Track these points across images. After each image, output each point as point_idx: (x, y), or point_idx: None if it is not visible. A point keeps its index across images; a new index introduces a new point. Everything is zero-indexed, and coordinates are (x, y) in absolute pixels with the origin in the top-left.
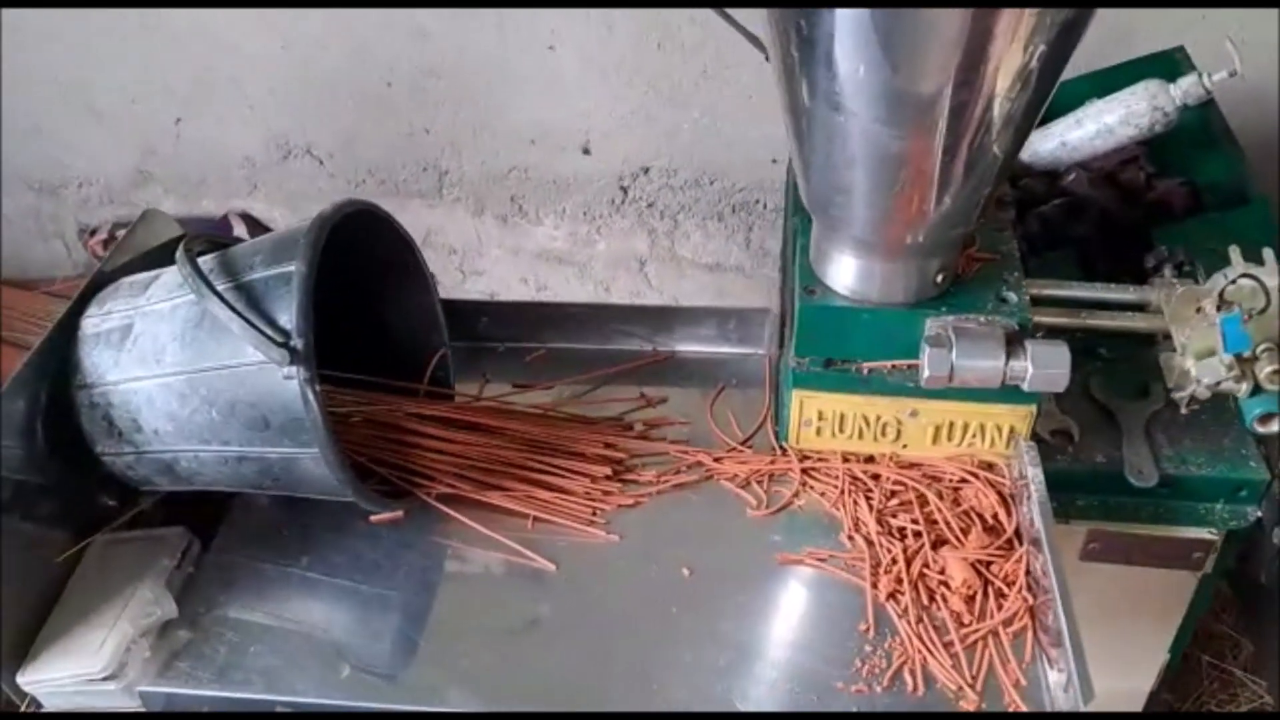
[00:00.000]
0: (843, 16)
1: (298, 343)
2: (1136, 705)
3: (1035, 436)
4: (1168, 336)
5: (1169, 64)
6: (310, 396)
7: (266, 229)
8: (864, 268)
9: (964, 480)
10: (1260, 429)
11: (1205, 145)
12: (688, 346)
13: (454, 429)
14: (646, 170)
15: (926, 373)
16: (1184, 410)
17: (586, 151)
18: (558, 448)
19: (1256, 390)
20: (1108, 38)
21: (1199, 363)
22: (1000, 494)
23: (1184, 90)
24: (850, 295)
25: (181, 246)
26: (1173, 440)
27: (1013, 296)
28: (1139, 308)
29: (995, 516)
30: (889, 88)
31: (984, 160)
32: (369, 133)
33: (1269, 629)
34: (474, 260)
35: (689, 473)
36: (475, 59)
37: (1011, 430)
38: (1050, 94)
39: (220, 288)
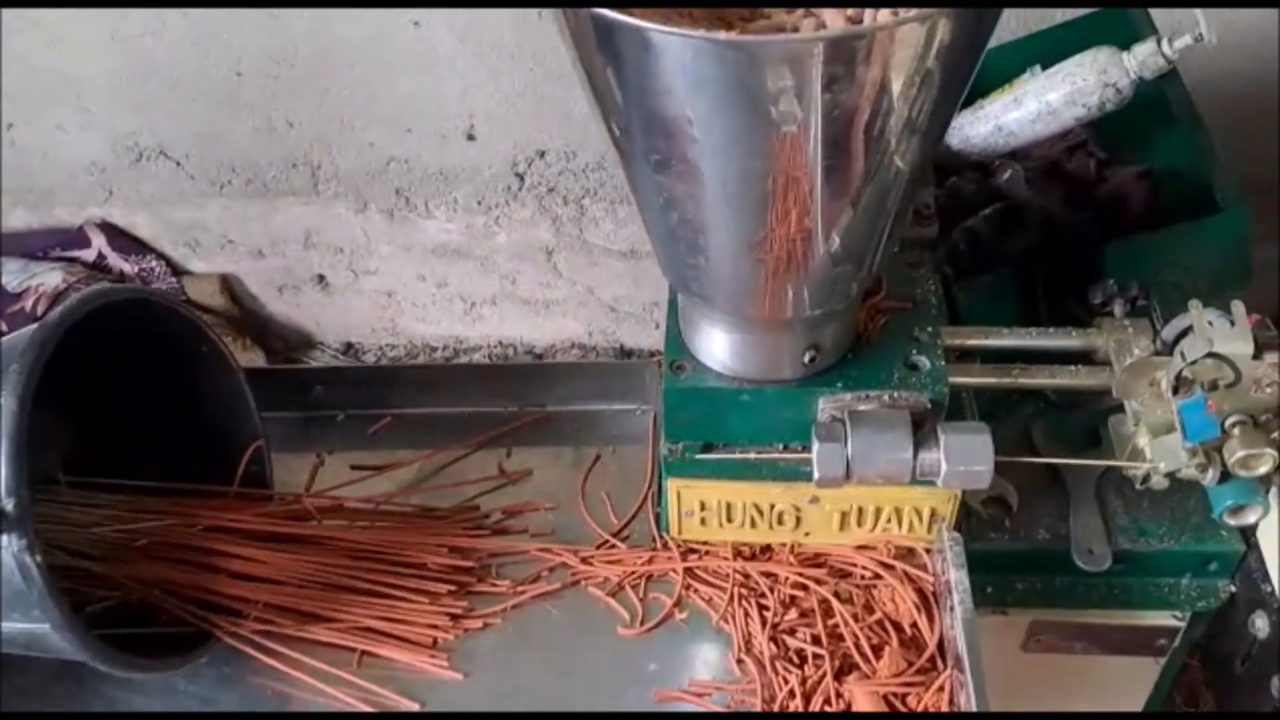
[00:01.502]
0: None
1: (7, 504)
2: None
3: (965, 508)
4: None
5: (1122, 20)
6: (32, 569)
7: (131, 237)
8: (738, 341)
9: (877, 575)
10: (1231, 522)
11: (1164, 122)
12: (561, 406)
13: (267, 544)
14: (542, 154)
15: (818, 474)
16: (1139, 487)
17: (471, 137)
18: (394, 559)
19: (1225, 476)
20: None
21: (1154, 441)
22: (921, 592)
23: (1140, 61)
24: (726, 372)
25: None
26: (1129, 505)
27: (925, 362)
28: (1084, 355)
29: (914, 625)
30: (734, 141)
31: (875, 202)
32: (225, 129)
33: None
34: (363, 259)
35: (551, 578)
36: (331, 41)
37: (933, 513)
38: (963, 93)
39: None
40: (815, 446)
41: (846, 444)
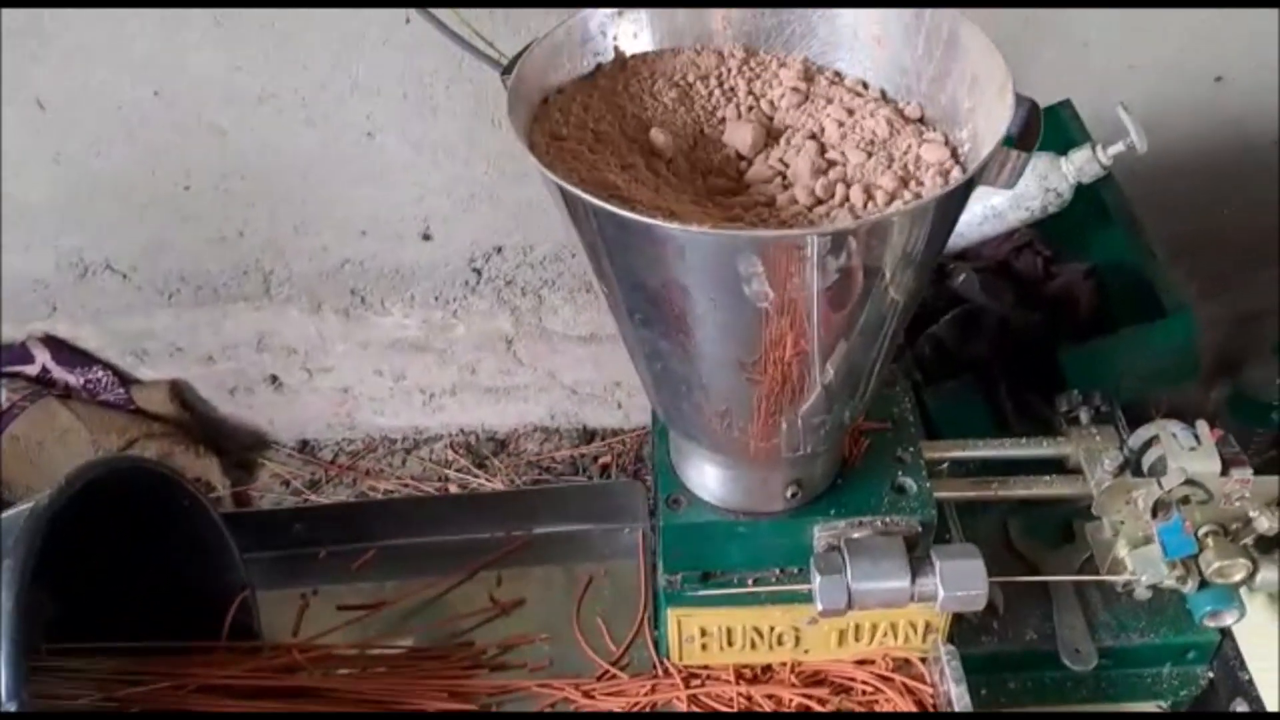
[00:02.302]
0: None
1: (9, 705)
2: None
3: (956, 615)
4: None
5: (1055, 122)
6: None
7: (76, 349)
8: (733, 477)
9: (878, 690)
10: (1211, 624)
11: (1102, 219)
12: (547, 528)
13: (259, 700)
14: (499, 250)
15: (821, 606)
16: (1120, 590)
17: (427, 237)
18: (392, 708)
19: (1203, 583)
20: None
21: (1134, 553)
22: (920, 705)
23: (1078, 167)
24: (720, 504)
25: None
26: (1108, 600)
27: (911, 484)
28: (1056, 461)
29: None
30: (725, 312)
31: (868, 345)
32: (174, 241)
33: None
34: (318, 358)
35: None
36: (283, 154)
37: (928, 625)
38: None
39: None
40: (816, 580)
41: (846, 574)
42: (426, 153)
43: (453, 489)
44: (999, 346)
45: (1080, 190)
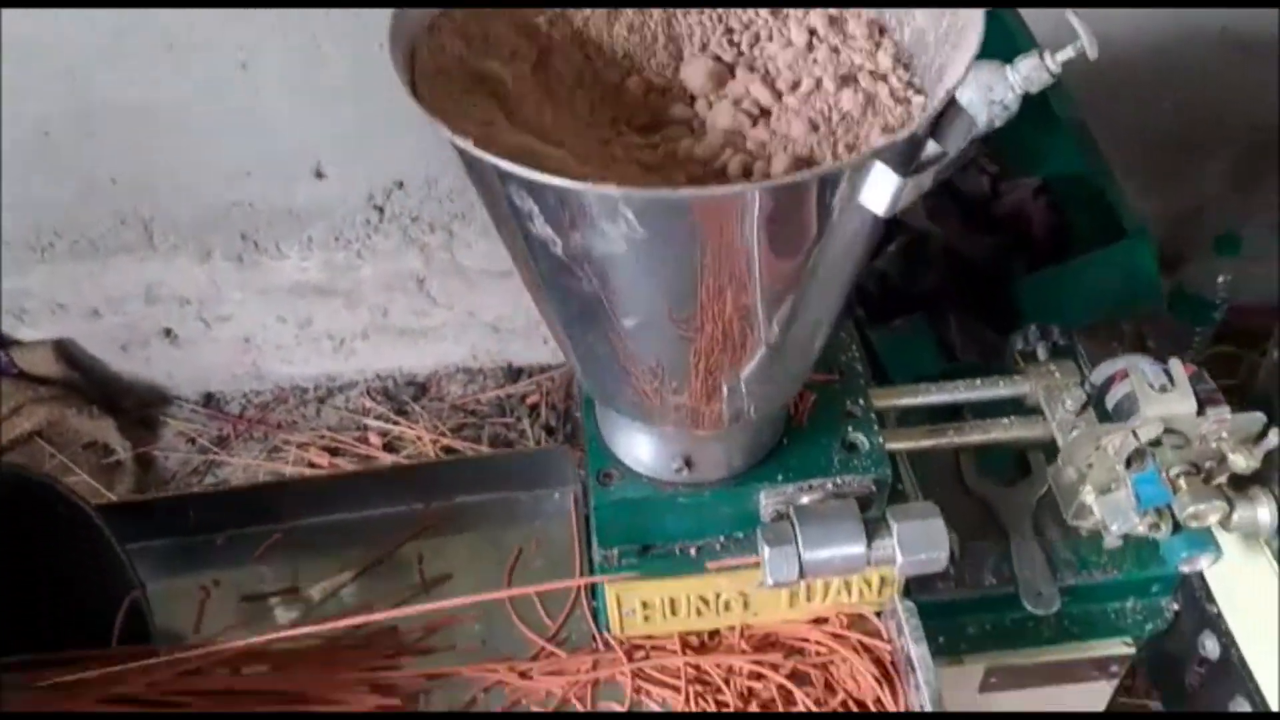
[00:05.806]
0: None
1: None
2: None
3: None
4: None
5: (1000, 27)
6: None
7: None
8: (669, 449)
9: (832, 650)
10: (1186, 570)
11: (1050, 128)
12: (470, 496)
13: (159, 710)
14: (400, 185)
15: (770, 580)
16: (1084, 534)
17: (320, 175)
18: (308, 705)
19: (1176, 527)
20: None
21: (1103, 499)
22: (879, 663)
23: (1024, 76)
24: (656, 476)
25: None
26: (1066, 535)
27: (863, 441)
28: (1014, 401)
29: (878, 700)
30: (658, 279)
31: (817, 301)
32: (39, 191)
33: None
34: (214, 307)
35: (488, 700)
36: (148, 91)
37: (883, 580)
38: None
39: None
40: (765, 551)
41: (796, 544)
42: (308, 86)
43: (373, 438)
44: (947, 277)
45: (1024, 97)
